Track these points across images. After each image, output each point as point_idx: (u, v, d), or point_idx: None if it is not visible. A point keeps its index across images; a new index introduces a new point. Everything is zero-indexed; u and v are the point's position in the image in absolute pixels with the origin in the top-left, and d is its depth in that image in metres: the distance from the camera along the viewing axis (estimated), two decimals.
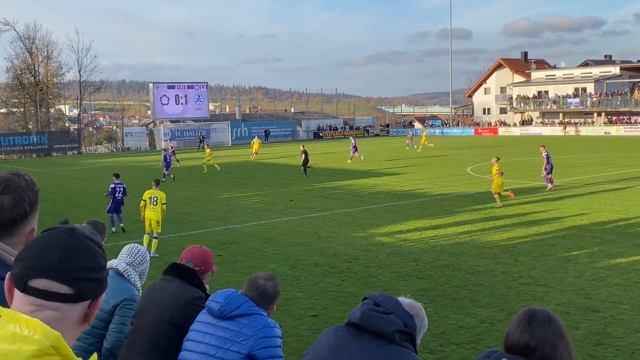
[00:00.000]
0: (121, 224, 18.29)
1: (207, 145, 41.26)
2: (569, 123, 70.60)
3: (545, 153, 23.43)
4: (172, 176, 31.59)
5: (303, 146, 33.26)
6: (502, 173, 20.43)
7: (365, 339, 2.60)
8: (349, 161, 39.12)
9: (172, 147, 40.52)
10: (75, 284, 1.46)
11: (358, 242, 15.43)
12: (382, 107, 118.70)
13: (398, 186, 26.24)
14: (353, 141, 40.50)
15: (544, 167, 23.35)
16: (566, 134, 66.95)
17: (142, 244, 14.21)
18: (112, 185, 18.43)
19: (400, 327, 2.58)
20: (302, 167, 31.61)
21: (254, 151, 45.16)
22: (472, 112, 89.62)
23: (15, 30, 68.71)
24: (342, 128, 79.96)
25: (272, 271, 12.38)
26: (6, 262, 2.04)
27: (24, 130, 64.86)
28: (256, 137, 48.58)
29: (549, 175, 23.20)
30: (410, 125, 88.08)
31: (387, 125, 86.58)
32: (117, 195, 18.19)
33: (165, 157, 32.75)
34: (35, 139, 61.14)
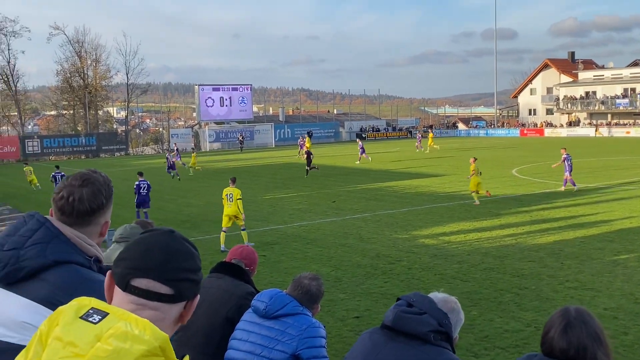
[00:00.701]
0: (146, 219, 18.67)
1: (194, 150, 45.86)
2: (617, 124, 68.94)
3: (565, 155, 23.44)
4: (178, 178, 33.24)
5: (307, 147, 35.92)
6: (480, 173, 21.58)
7: (400, 341, 2.59)
8: (357, 162, 39.75)
9: (176, 149, 42.87)
10: (175, 284, 1.50)
11: (401, 243, 15.35)
12: (426, 108, 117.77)
13: (441, 188, 26.01)
14: (360, 143, 41.81)
15: (565, 169, 23.41)
16: (599, 135, 65.64)
17: (221, 244, 15.21)
18: (137, 183, 19.55)
19: (434, 327, 2.56)
20: (306, 168, 32.88)
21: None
22: (518, 113, 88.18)
23: (65, 35, 70.63)
24: (384, 129, 79.64)
25: (315, 272, 12.41)
26: (83, 250, 2.18)
27: (73, 132, 66.48)
28: (306, 137, 50.42)
29: (569, 176, 23.30)
30: (454, 126, 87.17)
31: (431, 127, 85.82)
32: (141, 191, 19.28)
33: (168, 158, 34.85)
34: (84, 141, 62.62)
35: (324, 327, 3.83)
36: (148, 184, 19.60)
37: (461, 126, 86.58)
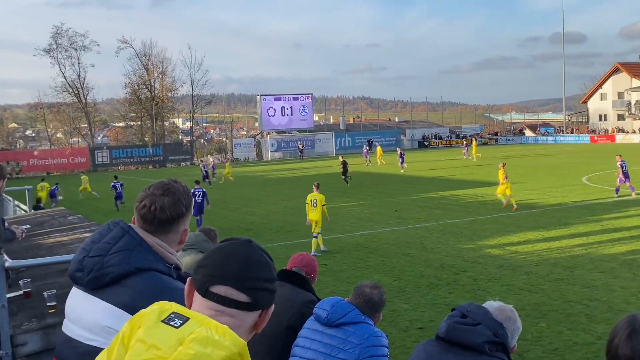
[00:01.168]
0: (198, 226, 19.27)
1: (229, 159, 48.24)
2: None
3: (620, 162, 23.48)
4: (210, 186, 34.96)
5: (342, 157, 36.82)
6: (506, 177, 22.21)
7: (455, 352, 2.56)
8: (402, 171, 39.99)
9: (212, 163, 46.60)
10: (252, 293, 1.55)
11: (465, 253, 15.11)
12: (491, 115, 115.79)
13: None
14: (399, 151, 42.61)
15: (621, 175, 23.50)
16: None
17: (312, 249, 15.68)
18: (192, 190, 19.75)
19: (489, 338, 2.52)
20: (342, 177, 33.44)
21: (379, 156, 48.53)
22: (587, 118, 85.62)
23: (133, 48, 73.00)
24: (447, 137, 78.71)
25: (377, 281, 12.36)
26: (164, 257, 2.27)
27: (141, 143, 68.44)
28: (377, 145, 54.14)
29: (629, 183, 23.46)
30: (521, 132, 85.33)
31: (496, 134, 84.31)
32: (197, 199, 19.99)
33: (203, 167, 37.68)
34: (151, 151, 64.41)
35: (387, 336, 3.81)
36: (203, 192, 20.47)
37: (528, 133, 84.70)
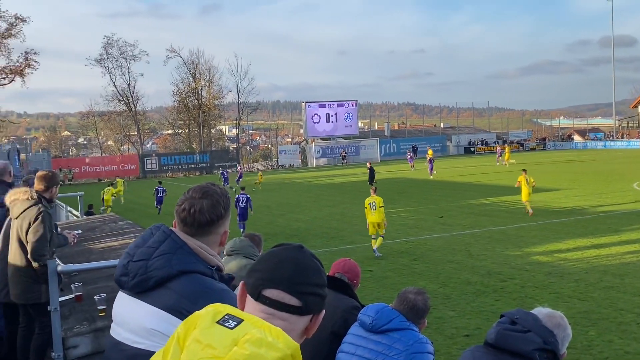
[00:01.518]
0: (242, 230, 20.25)
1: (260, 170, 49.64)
2: None
3: None
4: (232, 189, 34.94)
5: (369, 163, 38.43)
6: (529, 183, 22.27)
7: (504, 359, 2.53)
8: (431, 177, 40.71)
9: (240, 170, 47.31)
10: (303, 297, 1.57)
11: (513, 260, 14.86)
12: (538, 120, 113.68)
13: (556, 202, 24.97)
14: (429, 157, 43.83)
15: None
16: None
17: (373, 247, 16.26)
18: (237, 196, 20.90)
19: (539, 345, 2.49)
20: (369, 183, 34.08)
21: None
22: (638, 123, 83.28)
23: (181, 57, 74.27)
24: (494, 142, 77.62)
25: (422, 288, 12.25)
26: (205, 259, 2.30)
27: (188, 150, 69.51)
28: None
29: None
30: (570, 138, 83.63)
31: (544, 139, 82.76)
32: (240, 204, 20.66)
33: (223, 173, 38.08)
34: (198, 158, 65.36)
35: (432, 343, 3.78)
36: (247, 197, 20.98)
37: (577, 138, 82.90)
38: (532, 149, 76.24)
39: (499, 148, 56.73)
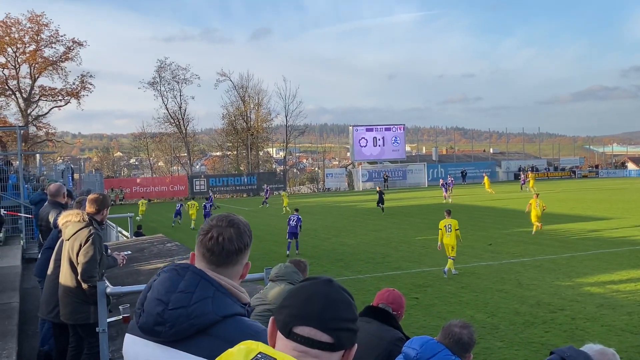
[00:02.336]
0: (297, 250, 21.74)
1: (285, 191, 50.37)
2: None
3: None
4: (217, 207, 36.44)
5: (379, 187, 42.09)
6: (539, 206, 24.53)
7: None
8: (450, 201, 41.92)
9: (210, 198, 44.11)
10: (335, 333, 1.55)
11: (563, 291, 14.47)
12: (591, 147, 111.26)
13: (608, 232, 24.27)
14: (441, 182, 45.93)
15: None
16: None
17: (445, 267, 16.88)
18: (290, 216, 22.75)
19: None
20: (378, 205, 36.85)
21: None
22: None
23: (231, 81, 75.46)
24: (545, 169, 76.18)
25: (470, 318, 12.03)
26: (238, 298, 2.23)
27: (236, 172, 70.32)
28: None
29: None
30: (623, 165, 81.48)
31: (596, 166, 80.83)
32: (290, 222, 21.97)
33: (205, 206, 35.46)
34: (245, 180, 66.06)
35: None
36: (298, 217, 22.16)
37: (631, 166, 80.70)
38: (584, 176, 74.50)
39: (522, 175, 57.17)
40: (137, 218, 33.52)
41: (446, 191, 43.77)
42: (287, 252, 21.46)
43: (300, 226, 22.14)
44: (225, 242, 2.22)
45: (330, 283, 1.62)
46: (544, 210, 25.09)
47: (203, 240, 2.24)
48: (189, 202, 35.22)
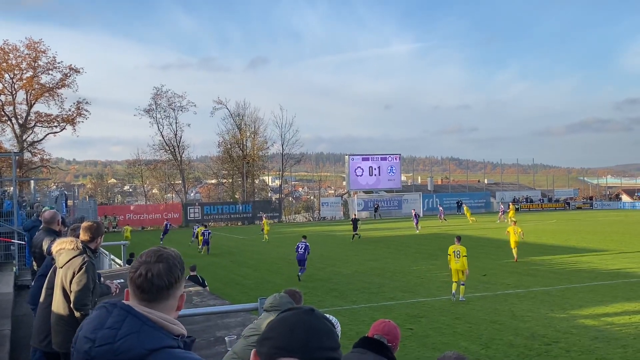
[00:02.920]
0: (300, 273, 22.25)
1: (266, 216, 50.17)
2: None
3: None
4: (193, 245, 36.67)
5: (355, 214, 43.58)
6: (516, 233, 26.36)
7: None
8: (417, 231, 43.46)
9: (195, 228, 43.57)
10: None
11: (558, 323, 14.43)
12: (585, 178, 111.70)
13: (603, 264, 24.28)
14: (414, 212, 47.28)
15: None
16: None
17: (452, 290, 17.61)
18: (297, 244, 23.08)
19: None
20: (354, 233, 38.17)
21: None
22: None
23: (227, 109, 75.73)
24: (539, 200, 76.37)
25: (464, 349, 11.98)
26: (170, 331, 2.21)
27: (231, 200, 70.23)
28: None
29: None
30: (617, 197, 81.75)
31: (591, 198, 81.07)
32: (299, 250, 22.50)
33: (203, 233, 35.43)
34: (240, 208, 65.89)
35: None
36: (305, 245, 22.57)
37: (625, 198, 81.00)
38: (579, 208, 74.66)
39: (501, 206, 57.77)
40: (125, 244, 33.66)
41: (417, 222, 45.02)
42: (299, 275, 22.37)
43: (308, 252, 22.66)
44: (154, 278, 2.22)
45: (312, 313, 1.63)
46: (521, 237, 27.10)
47: (132, 278, 2.25)
48: (199, 229, 36.68)
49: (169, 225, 44.65)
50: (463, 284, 17.83)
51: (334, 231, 48.86)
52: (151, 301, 2.23)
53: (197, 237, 36.66)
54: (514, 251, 26.06)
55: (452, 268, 17.99)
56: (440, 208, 59.16)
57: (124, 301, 2.26)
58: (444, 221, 52.52)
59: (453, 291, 17.68)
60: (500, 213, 55.19)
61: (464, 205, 58.80)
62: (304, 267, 22.63)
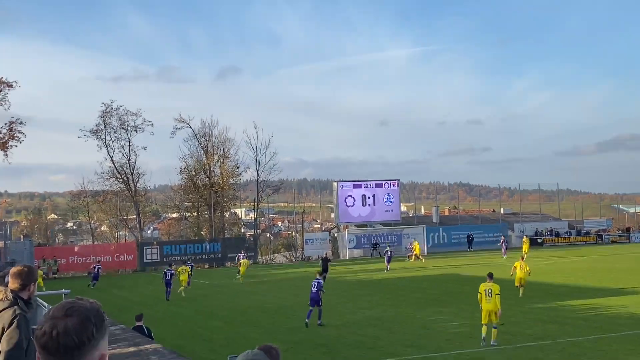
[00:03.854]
0: (319, 320, 23.25)
1: (245, 255, 51.77)
2: None
3: None
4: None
5: (327, 253, 47.49)
6: (522, 268, 29.56)
7: None
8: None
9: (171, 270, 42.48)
10: None
11: None
12: (620, 206, 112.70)
13: None
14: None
15: None
16: None
17: (482, 334, 18.27)
18: (312, 281, 24.18)
19: None
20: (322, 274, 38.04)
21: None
22: None
23: (191, 128, 75.50)
24: (566, 233, 76.79)
25: None
26: None
27: (197, 237, 70.00)
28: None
29: None
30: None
31: (627, 229, 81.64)
32: (312, 289, 23.64)
33: (165, 274, 35.21)
34: (208, 247, 65.66)
35: None
36: (318, 282, 23.89)
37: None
38: (613, 242, 75.10)
39: (503, 238, 60.05)
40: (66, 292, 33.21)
41: (388, 262, 47.40)
42: (306, 321, 23.17)
43: (322, 290, 23.83)
44: (60, 336, 2.17)
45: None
46: (528, 274, 29.95)
47: (37, 336, 2.21)
48: (179, 268, 37.84)
49: (98, 269, 46.06)
50: (495, 327, 18.53)
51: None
52: None
53: (178, 277, 36.50)
54: (521, 290, 28.63)
55: (483, 308, 18.78)
56: (503, 237, 61.54)
57: None
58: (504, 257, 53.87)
59: (483, 335, 18.32)
60: (503, 249, 56.79)
61: (414, 240, 59.45)
62: (320, 307, 23.64)
